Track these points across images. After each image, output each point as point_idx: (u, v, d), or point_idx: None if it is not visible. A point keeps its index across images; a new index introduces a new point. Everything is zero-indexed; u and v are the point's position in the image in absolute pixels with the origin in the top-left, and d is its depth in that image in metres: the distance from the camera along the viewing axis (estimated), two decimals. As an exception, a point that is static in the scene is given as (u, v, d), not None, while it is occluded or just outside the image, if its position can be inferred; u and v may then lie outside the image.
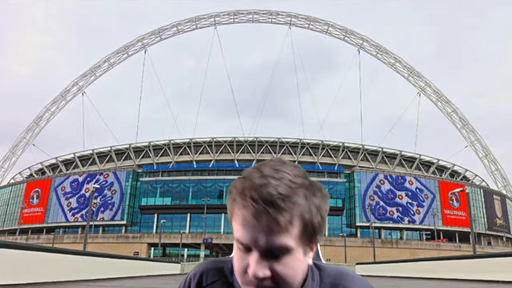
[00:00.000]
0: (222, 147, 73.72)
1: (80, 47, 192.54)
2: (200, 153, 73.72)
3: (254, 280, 0.74)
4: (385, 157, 75.70)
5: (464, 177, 79.82)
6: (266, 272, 0.73)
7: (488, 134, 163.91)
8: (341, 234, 59.03)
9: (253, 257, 0.74)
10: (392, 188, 67.33)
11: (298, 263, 0.76)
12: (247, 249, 0.75)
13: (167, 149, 74.35)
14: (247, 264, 0.75)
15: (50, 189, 71.19)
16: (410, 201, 67.32)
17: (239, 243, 0.76)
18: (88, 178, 69.17)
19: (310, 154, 73.34)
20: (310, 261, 0.81)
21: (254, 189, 0.73)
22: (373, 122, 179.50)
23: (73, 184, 69.93)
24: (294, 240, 0.74)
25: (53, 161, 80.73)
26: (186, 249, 64.67)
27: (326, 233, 62.97)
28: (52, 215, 69.68)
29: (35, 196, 72.09)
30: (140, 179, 69.65)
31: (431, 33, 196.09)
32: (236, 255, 0.78)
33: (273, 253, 0.73)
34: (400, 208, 66.64)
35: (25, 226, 69.52)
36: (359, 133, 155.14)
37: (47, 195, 71.08)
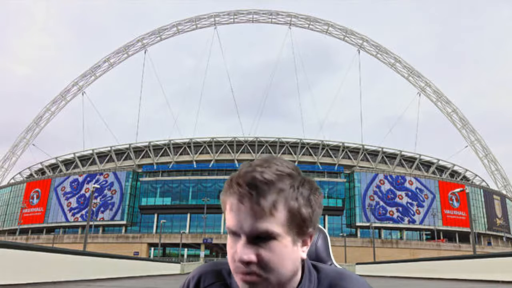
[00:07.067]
0: (222, 147, 73.70)
1: (80, 47, 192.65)
2: (200, 153, 73.71)
3: (241, 266, 0.74)
4: (385, 157, 75.69)
5: (464, 177, 79.81)
6: (252, 257, 0.73)
7: (488, 134, 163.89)
8: (341, 234, 58.97)
9: (240, 242, 0.75)
10: (392, 188, 67.31)
11: (285, 250, 0.75)
12: (236, 236, 0.76)
13: (167, 149, 74.33)
14: (236, 251, 0.76)
15: (50, 189, 71.18)
16: (410, 201, 67.31)
17: (229, 230, 0.77)
18: (88, 178, 69.15)
19: (310, 154, 73.33)
20: (304, 255, 0.80)
21: (240, 176, 0.76)
22: (373, 122, 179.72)
23: (73, 184, 69.92)
24: (279, 226, 0.74)
25: (53, 161, 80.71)
26: (186, 249, 64.65)
27: (327, 233, 62.98)
28: (52, 215, 69.66)
29: (35, 196, 72.07)
30: (140, 179, 69.64)
31: (431, 33, 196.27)
32: (228, 244, 0.79)
33: (259, 238, 0.74)
34: (400, 208, 66.62)
35: (25, 226, 69.48)
36: (359, 133, 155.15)
37: (47, 195, 71.07)
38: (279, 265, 0.75)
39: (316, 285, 0.83)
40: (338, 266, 1.01)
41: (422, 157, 76.67)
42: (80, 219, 67.11)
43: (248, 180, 0.74)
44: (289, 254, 0.76)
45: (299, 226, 0.77)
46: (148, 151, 74.47)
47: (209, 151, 73.57)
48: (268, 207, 0.73)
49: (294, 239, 0.77)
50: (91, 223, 57.64)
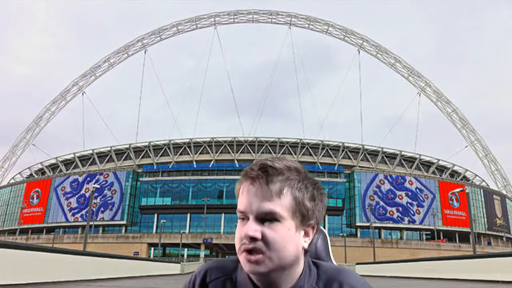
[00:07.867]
0: (222, 147, 73.68)
1: (80, 47, 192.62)
2: (200, 153, 73.69)
3: (246, 243, 0.81)
4: (385, 157, 75.67)
5: (464, 177, 79.79)
6: (257, 233, 0.81)
7: (488, 134, 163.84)
8: (341, 234, 58.95)
9: (248, 222, 0.83)
10: (392, 188, 67.29)
11: (288, 232, 0.83)
12: (245, 218, 0.85)
13: (167, 149, 74.32)
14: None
15: (50, 189, 71.16)
16: (410, 201, 67.29)
17: (239, 213, 0.86)
18: (88, 178, 69.14)
19: (310, 154, 73.31)
20: (305, 245, 0.88)
21: (254, 164, 0.89)
22: (373, 122, 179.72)
23: (73, 184, 69.90)
24: (284, 210, 0.83)
25: (53, 161, 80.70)
26: (186, 249, 64.64)
27: (326, 233, 63.05)
28: (52, 215, 69.65)
29: (35, 196, 72.06)
30: (140, 179, 69.62)
31: (431, 33, 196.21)
32: (237, 228, 0.87)
33: (265, 220, 0.83)
34: (400, 208, 66.61)
35: (25, 226, 69.46)
36: (359, 133, 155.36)
37: (47, 195, 71.05)
38: (281, 245, 0.82)
39: (316, 279, 0.90)
40: None
41: (422, 157, 76.64)
42: (80, 219, 67.09)
43: (260, 166, 0.86)
44: (292, 237, 0.84)
45: (303, 215, 0.86)
46: (148, 151, 74.46)
47: (209, 151, 73.56)
48: (275, 190, 0.83)
49: (297, 225, 0.86)
50: (91, 223, 57.63)
